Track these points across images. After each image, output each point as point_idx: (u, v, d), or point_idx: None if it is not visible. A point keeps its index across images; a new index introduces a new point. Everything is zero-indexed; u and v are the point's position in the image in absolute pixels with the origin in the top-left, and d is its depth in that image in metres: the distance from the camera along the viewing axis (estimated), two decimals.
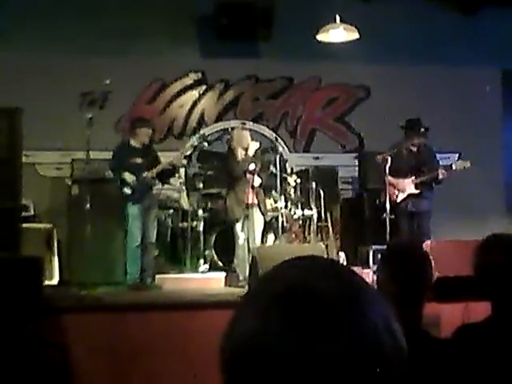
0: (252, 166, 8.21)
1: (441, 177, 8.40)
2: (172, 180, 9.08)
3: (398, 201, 8.45)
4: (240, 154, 8.31)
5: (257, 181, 8.23)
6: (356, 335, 0.87)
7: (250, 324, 0.90)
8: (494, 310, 2.60)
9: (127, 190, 7.98)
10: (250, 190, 8.22)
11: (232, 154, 8.41)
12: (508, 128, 10.98)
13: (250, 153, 8.32)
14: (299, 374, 0.86)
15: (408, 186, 8.47)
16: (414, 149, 8.58)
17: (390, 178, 8.37)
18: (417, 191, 8.49)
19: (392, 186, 8.43)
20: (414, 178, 8.48)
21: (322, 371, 0.85)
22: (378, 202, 8.81)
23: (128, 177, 8.00)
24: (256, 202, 8.25)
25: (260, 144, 8.59)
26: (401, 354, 0.91)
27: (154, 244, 8.24)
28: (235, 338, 0.92)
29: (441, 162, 8.97)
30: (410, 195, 8.47)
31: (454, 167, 8.43)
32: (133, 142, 8.25)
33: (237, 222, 8.20)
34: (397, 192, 8.47)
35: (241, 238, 8.19)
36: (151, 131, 8.39)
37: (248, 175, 8.21)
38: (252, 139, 8.50)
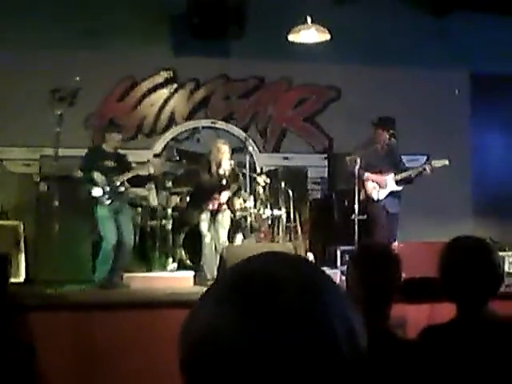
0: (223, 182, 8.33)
1: (428, 172, 8.36)
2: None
3: (381, 198, 8.42)
4: (213, 168, 8.40)
5: (224, 196, 8.32)
6: (310, 326, 0.87)
7: (207, 314, 0.90)
8: (459, 311, 2.63)
9: (96, 192, 7.91)
10: (216, 200, 8.30)
11: (207, 164, 8.50)
12: (476, 131, 11.09)
13: (225, 167, 8.38)
14: (251, 364, 0.85)
15: (390, 183, 8.46)
16: (386, 147, 8.59)
17: (368, 174, 8.38)
18: (399, 188, 8.49)
19: (372, 181, 8.42)
20: (393, 175, 8.48)
21: (274, 362, 0.85)
22: (347, 202, 8.81)
23: (98, 177, 7.93)
24: (223, 207, 8.34)
25: (235, 163, 8.61)
26: (358, 350, 0.90)
27: (131, 246, 8.18)
28: (191, 331, 0.92)
29: (409, 164, 9.04)
30: (391, 192, 8.46)
31: (433, 164, 8.43)
32: (105, 146, 8.22)
33: (201, 221, 8.27)
34: (378, 188, 8.43)
35: (207, 237, 8.23)
36: (121, 136, 8.35)
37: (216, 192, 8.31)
38: (229, 154, 8.55)
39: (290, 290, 0.89)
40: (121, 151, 8.39)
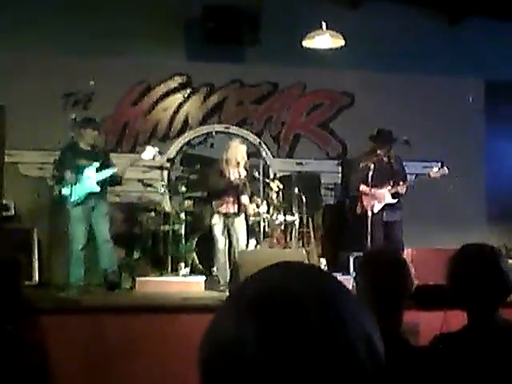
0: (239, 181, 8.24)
1: (434, 175, 8.45)
2: (155, 183, 9.06)
3: (375, 211, 8.44)
4: (230, 169, 8.29)
5: (245, 199, 8.26)
6: (330, 342, 0.87)
7: (227, 328, 0.91)
8: (469, 319, 2.62)
9: (66, 191, 7.73)
10: (233, 201, 8.23)
11: (218, 165, 8.39)
12: (490, 139, 11.04)
13: (242, 170, 8.30)
14: (274, 379, 0.86)
15: (385, 196, 8.46)
16: (386, 159, 8.59)
17: (364, 187, 8.42)
18: (394, 201, 8.49)
19: (368, 195, 8.45)
20: (390, 187, 8.48)
21: (296, 377, 0.85)
22: (355, 210, 8.78)
23: (68, 176, 7.75)
24: (240, 210, 8.24)
25: (248, 156, 8.53)
26: (377, 362, 0.91)
27: (110, 241, 8.04)
28: (212, 343, 0.92)
29: (423, 171, 9.03)
30: (386, 205, 8.47)
31: (432, 175, 8.47)
32: (81, 143, 8.07)
33: (214, 226, 8.19)
34: (373, 202, 8.46)
35: (220, 242, 8.16)
36: (97, 133, 8.16)
37: (233, 191, 8.21)
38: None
39: (309, 305, 0.89)
40: (98, 148, 8.27)
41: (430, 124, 10.51)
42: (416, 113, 10.44)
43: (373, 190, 8.44)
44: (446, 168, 8.42)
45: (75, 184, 7.70)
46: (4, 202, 9.08)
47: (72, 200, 7.67)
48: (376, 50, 10.37)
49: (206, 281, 8.24)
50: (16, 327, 5.60)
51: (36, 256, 8.62)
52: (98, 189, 7.92)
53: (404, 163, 8.97)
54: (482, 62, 10.66)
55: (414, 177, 10.26)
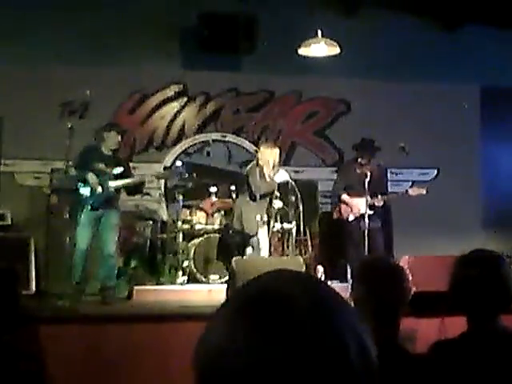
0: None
1: (412, 193, 8.51)
2: (152, 192, 9.05)
3: (350, 220, 8.50)
4: (267, 171, 8.28)
5: (278, 204, 8.26)
6: (323, 342, 0.88)
7: (220, 332, 0.91)
8: (469, 325, 2.62)
9: (84, 191, 7.72)
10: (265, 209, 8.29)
11: (255, 170, 8.37)
12: (486, 144, 11.07)
13: (279, 177, 8.27)
14: (265, 381, 0.86)
15: (362, 206, 8.47)
16: (367, 169, 8.62)
17: (344, 196, 8.50)
18: (371, 212, 8.51)
19: (346, 204, 8.53)
20: (369, 198, 8.50)
21: (287, 378, 0.86)
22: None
23: (91, 178, 7.73)
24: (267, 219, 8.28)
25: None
26: (368, 363, 0.91)
27: (112, 256, 7.95)
28: (205, 348, 0.93)
29: (418, 178, 9.04)
30: (362, 215, 8.49)
31: (410, 192, 8.54)
32: (102, 148, 8.04)
33: (253, 236, 8.23)
34: (350, 210, 8.52)
35: (248, 252, 8.18)
36: (119, 137, 8.16)
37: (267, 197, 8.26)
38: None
39: (301, 306, 0.90)
40: (119, 156, 8.25)
41: (426, 131, 10.52)
42: (412, 120, 10.45)
43: (351, 198, 8.52)
44: (425, 189, 8.51)
45: (97, 187, 7.72)
46: (0, 211, 9.08)
47: (89, 203, 7.69)
48: (372, 58, 10.39)
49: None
50: (14, 336, 5.59)
51: (33, 265, 8.60)
52: (113, 194, 7.88)
53: (400, 170, 9.00)
54: (477, 68, 10.69)
55: (410, 184, 10.27)
